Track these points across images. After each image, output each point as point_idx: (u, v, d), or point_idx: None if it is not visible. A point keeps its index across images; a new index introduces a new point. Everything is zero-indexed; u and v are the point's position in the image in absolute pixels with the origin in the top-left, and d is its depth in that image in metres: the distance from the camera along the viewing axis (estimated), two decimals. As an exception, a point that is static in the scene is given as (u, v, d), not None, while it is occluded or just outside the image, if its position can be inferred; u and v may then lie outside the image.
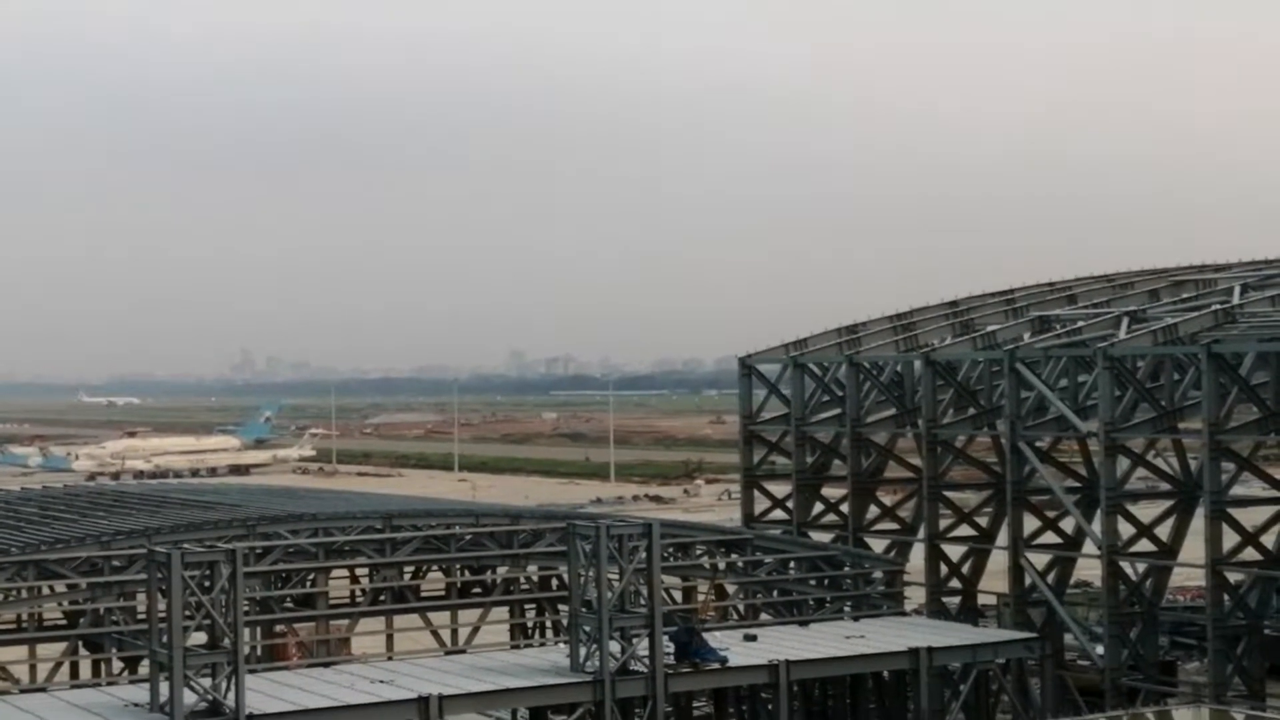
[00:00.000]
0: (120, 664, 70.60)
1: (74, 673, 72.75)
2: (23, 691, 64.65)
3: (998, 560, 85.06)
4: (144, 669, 63.15)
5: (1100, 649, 77.58)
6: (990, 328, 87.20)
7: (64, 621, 72.23)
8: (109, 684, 65.56)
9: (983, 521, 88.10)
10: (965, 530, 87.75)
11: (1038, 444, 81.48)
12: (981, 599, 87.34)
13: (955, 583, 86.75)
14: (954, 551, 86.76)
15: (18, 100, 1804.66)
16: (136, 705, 58.41)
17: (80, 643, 69.91)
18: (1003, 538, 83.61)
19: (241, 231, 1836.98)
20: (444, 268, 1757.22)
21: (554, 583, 78.17)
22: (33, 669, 68.31)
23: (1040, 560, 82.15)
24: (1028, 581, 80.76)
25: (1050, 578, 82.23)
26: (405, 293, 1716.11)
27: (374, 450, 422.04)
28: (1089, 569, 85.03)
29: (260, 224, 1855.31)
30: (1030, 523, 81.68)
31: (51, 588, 68.20)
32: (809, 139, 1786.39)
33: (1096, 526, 77.23)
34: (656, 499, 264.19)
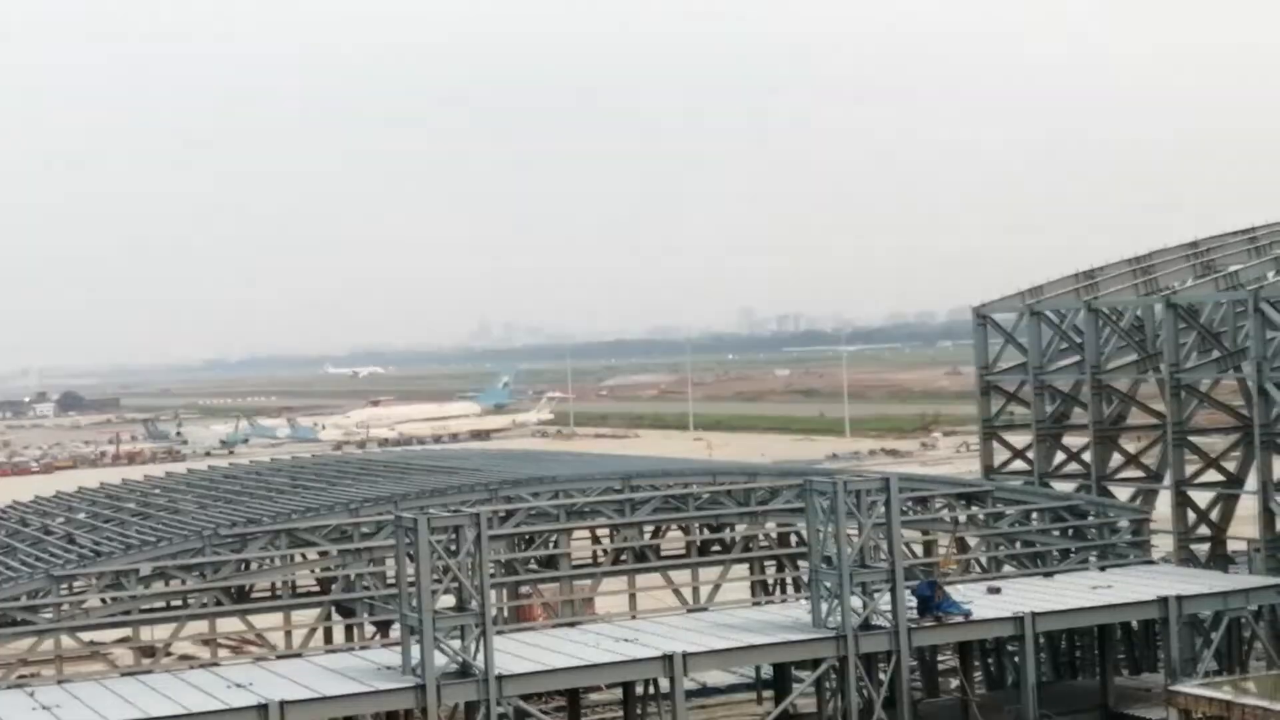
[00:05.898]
0: (372, 628, 72.37)
1: (328, 638, 74.77)
2: (279, 657, 66.69)
3: (1247, 505, 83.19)
4: (395, 633, 64.66)
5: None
6: (1233, 268, 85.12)
7: (317, 588, 74.25)
8: (362, 648, 67.34)
9: (1230, 466, 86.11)
10: (1212, 475, 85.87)
11: (1286, 385, 79.36)
12: (1231, 545, 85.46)
13: (1203, 529, 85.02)
14: (1201, 498, 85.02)
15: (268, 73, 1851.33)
16: (389, 668, 59.95)
17: (333, 608, 71.78)
18: (1252, 482, 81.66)
19: (475, 203, 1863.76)
20: (673, 228, 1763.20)
21: (793, 539, 78.19)
22: (288, 635, 70.29)
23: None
24: (1279, 526, 78.78)
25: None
26: (636, 254, 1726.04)
27: (610, 412, 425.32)
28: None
29: (492, 194, 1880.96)
30: (1280, 466, 79.67)
31: (304, 555, 70.14)
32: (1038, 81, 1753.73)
33: (1351, 468, 75.00)
34: (893, 453, 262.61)
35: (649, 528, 77.26)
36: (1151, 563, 78.01)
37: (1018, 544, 78.04)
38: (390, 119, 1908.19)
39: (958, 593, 67.46)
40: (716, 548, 78.40)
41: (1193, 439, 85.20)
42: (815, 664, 64.00)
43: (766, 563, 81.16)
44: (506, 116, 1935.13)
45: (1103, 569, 75.34)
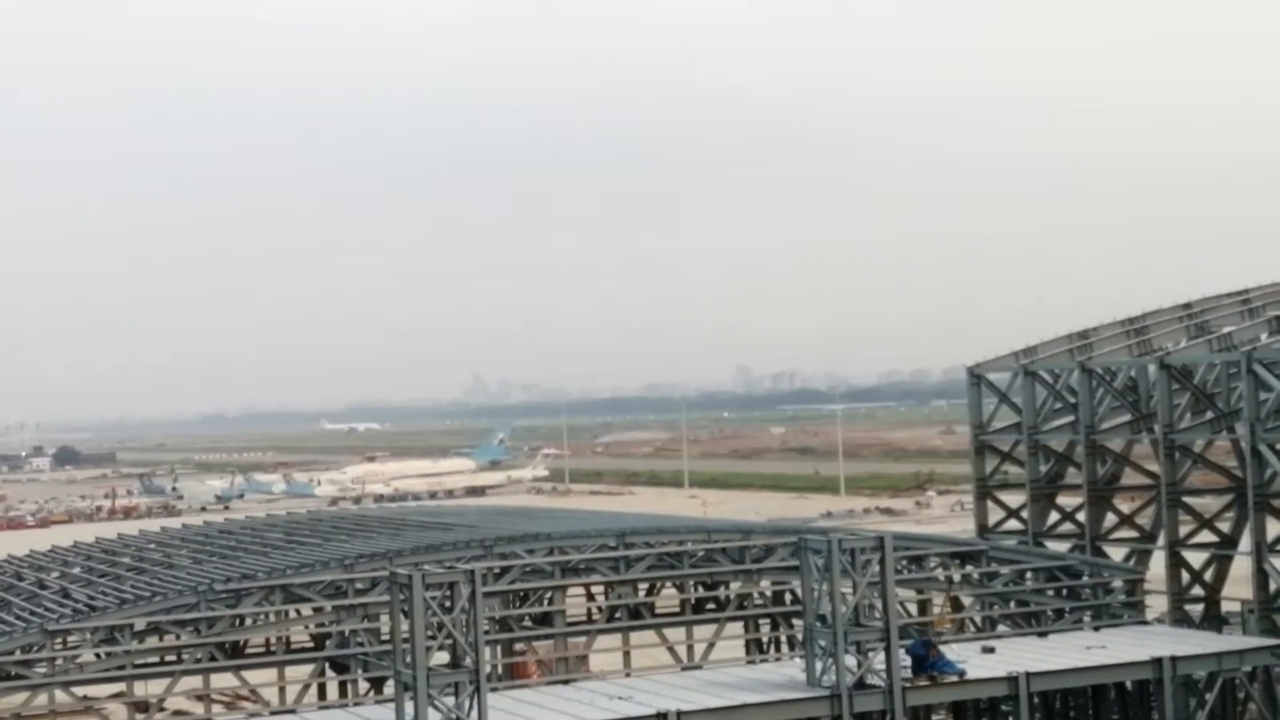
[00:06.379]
0: (366, 685, 72.27)
1: (322, 694, 74.63)
2: (273, 714, 66.57)
3: (1241, 566, 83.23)
4: (389, 689, 64.60)
5: (1352, 655, 75.39)
6: (1226, 329, 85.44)
7: (311, 644, 74.10)
8: (355, 704, 67.22)
9: (1224, 527, 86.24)
10: (1206, 536, 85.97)
11: (1279, 446, 79.59)
12: (1225, 606, 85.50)
13: (1197, 590, 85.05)
14: (1195, 558, 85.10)
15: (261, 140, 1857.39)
16: (383, 725, 59.82)
17: (327, 664, 71.73)
18: (1246, 543, 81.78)
19: (470, 258, 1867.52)
20: (669, 287, 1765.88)
21: (787, 597, 78.25)
22: (282, 691, 70.20)
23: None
24: (1273, 587, 78.86)
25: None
26: (631, 312, 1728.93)
27: (605, 469, 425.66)
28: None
29: (487, 250, 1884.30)
30: (1274, 527, 79.82)
31: (298, 611, 70.03)
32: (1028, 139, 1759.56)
33: (1344, 530, 75.14)
34: (888, 511, 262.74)
35: (644, 585, 77.24)
36: (1146, 623, 77.98)
37: (1012, 603, 78.06)
38: (386, 175, 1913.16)
39: (952, 652, 67.39)
40: (711, 605, 78.39)
41: (1186, 500, 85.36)
42: (809, 723, 63.94)
43: (761, 621, 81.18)
44: (501, 172, 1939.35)
45: (1097, 629, 75.32)
